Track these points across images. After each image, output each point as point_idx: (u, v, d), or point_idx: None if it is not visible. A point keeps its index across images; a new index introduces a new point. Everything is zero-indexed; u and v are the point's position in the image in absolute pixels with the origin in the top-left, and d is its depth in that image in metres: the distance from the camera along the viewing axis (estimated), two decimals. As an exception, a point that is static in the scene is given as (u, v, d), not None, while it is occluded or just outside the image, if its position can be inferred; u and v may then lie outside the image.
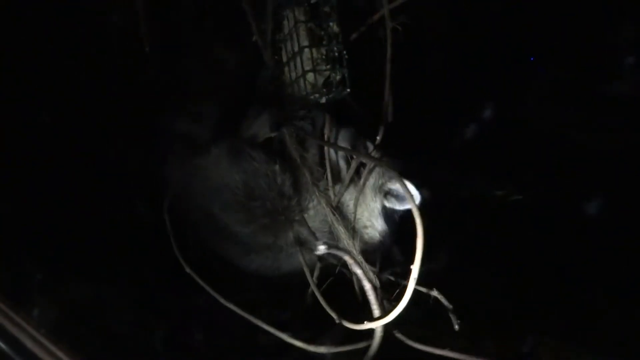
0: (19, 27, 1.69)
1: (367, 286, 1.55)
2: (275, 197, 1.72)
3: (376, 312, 1.53)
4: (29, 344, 1.34)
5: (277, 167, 1.72)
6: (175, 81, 1.82)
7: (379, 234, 1.76)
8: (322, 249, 1.58)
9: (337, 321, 1.55)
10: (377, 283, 1.58)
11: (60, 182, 1.71)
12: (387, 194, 1.73)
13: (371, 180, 1.73)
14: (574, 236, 1.91)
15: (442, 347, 1.46)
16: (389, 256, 1.79)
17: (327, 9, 1.64)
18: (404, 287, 1.39)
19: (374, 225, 1.75)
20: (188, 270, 1.71)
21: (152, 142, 1.81)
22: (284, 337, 1.59)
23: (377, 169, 1.72)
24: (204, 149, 1.78)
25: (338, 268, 1.70)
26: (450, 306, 1.53)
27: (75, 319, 1.51)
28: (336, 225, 1.70)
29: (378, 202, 1.74)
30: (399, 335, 1.55)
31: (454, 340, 1.51)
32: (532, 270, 1.87)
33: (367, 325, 1.47)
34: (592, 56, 1.91)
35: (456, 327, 1.51)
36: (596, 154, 1.95)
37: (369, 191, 1.74)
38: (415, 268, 1.35)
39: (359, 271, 1.57)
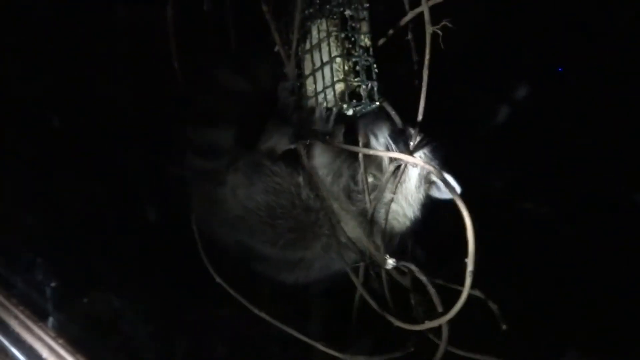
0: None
1: (432, 290, 1.53)
2: (301, 212, 1.70)
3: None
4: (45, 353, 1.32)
5: (300, 179, 1.70)
6: (198, 96, 1.78)
7: (411, 223, 1.73)
8: (390, 263, 1.60)
9: (395, 324, 1.53)
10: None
11: (85, 193, 1.72)
12: (432, 183, 1.70)
13: (417, 170, 1.68)
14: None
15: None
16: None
17: (358, 21, 1.61)
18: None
19: (407, 215, 1.72)
20: (218, 280, 1.69)
21: (175, 156, 1.79)
22: (318, 345, 1.56)
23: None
24: (221, 178, 1.75)
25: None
26: (496, 306, 1.50)
27: (96, 329, 1.52)
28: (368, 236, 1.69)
29: (422, 192, 1.71)
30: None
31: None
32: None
33: (428, 325, 1.45)
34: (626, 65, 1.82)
35: (504, 327, 1.49)
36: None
37: (413, 182, 1.69)
38: (470, 263, 1.32)
39: (423, 278, 1.56)
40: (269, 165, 1.70)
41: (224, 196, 1.74)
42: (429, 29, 1.54)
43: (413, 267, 1.60)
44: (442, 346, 1.48)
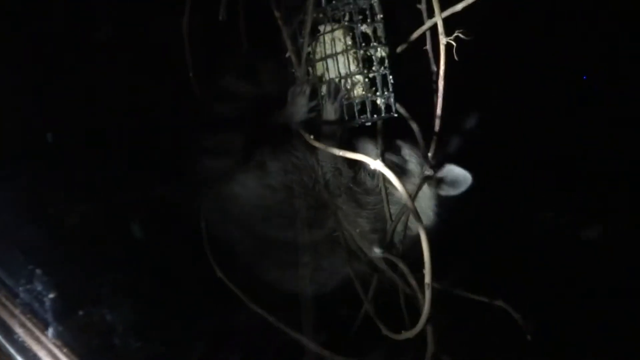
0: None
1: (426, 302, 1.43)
2: (321, 189, 1.71)
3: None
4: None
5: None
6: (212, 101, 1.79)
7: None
8: (377, 252, 1.55)
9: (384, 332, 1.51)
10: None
11: (92, 200, 1.72)
12: (440, 182, 1.68)
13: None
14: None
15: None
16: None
17: (373, 33, 1.62)
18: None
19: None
20: (219, 274, 1.68)
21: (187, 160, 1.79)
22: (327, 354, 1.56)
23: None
24: (235, 170, 1.75)
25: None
26: (519, 315, 1.47)
27: (105, 338, 1.50)
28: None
29: (432, 193, 1.71)
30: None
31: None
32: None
33: (405, 335, 1.42)
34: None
35: (528, 337, 1.46)
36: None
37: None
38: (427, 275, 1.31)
39: (413, 282, 1.50)
40: (289, 141, 1.71)
41: (236, 194, 1.74)
42: (442, 40, 1.55)
43: (401, 265, 1.55)
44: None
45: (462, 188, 1.62)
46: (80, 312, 1.53)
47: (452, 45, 1.50)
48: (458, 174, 1.62)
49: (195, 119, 1.79)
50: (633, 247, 1.83)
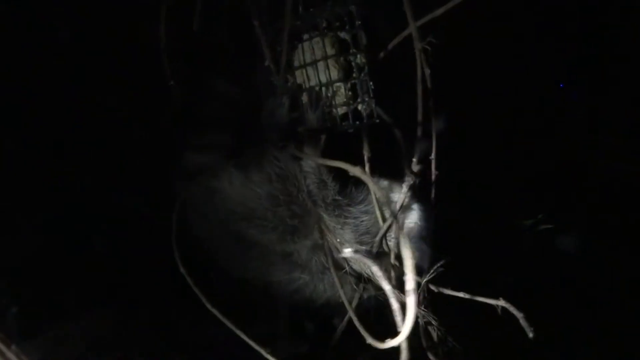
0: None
1: (395, 305, 1.40)
2: (305, 198, 1.71)
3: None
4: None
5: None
6: (192, 107, 1.80)
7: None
8: (347, 252, 1.51)
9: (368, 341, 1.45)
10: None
11: (60, 210, 1.67)
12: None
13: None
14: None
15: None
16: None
17: (353, 40, 1.61)
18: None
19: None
20: (182, 270, 1.66)
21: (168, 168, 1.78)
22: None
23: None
24: (217, 171, 1.75)
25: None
26: (521, 314, 1.47)
27: (72, 353, 1.46)
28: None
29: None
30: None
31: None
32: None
33: (389, 343, 1.36)
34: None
35: (530, 335, 1.45)
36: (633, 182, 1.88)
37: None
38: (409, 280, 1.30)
39: (387, 286, 1.43)
40: (271, 152, 1.70)
41: (220, 188, 1.73)
42: (417, 46, 1.56)
43: (374, 268, 1.48)
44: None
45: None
46: (46, 328, 1.48)
47: (428, 50, 1.52)
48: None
49: (175, 127, 1.78)
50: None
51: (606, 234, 1.91)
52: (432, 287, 1.59)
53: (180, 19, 1.63)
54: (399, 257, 1.65)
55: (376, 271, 1.44)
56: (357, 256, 1.54)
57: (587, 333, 1.77)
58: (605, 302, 1.82)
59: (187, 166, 1.76)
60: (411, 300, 1.30)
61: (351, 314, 1.62)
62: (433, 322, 1.57)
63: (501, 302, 1.49)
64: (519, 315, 1.46)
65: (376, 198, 1.68)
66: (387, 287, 1.42)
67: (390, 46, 1.60)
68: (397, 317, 1.37)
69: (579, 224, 1.92)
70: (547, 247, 1.90)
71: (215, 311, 1.60)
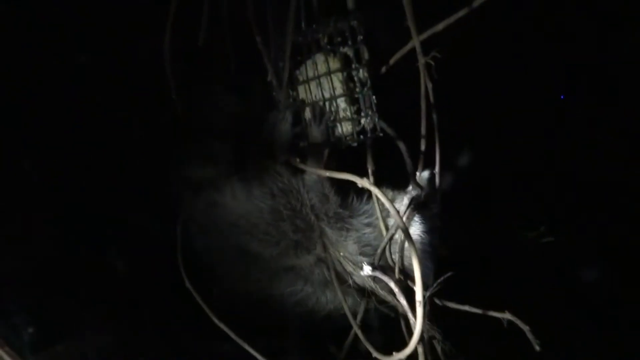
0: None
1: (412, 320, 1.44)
2: (308, 212, 1.71)
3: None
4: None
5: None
6: (195, 122, 1.79)
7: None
8: (367, 269, 1.53)
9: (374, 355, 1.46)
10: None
11: (70, 230, 1.68)
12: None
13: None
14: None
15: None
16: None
17: (355, 55, 1.62)
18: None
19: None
20: (187, 284, 1.68)
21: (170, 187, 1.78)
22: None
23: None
24: (219, 185, 1.75)
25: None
26: (527, 327, 1.48)
27: None
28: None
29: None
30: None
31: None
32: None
33: (396, 357, 1.38)
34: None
35: (537, 348, 1.46)
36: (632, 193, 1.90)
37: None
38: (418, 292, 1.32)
39: (404, 302, 1.49)
40: (274, 167, 1.71)
41: (223, 202, 1.73)
42: (421, 60, 1.58)
43: (392, 284, 1.53)
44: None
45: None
46: (59, 345, 1.48)
47: (431, 65, 1.54)
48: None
49: (179, 142, 1.78)
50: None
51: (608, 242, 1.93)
52: (437, 301, 1.60)
53: (185, 33, 1.64)
54: (402, 271, 1.67)
55: (395, 289, 1.47)
56: (377, 274, 1.54)
57: (590, 343, 1.78)
58: (609, 311, 1.82)
59: (189, 179, 1.76)
60: (419, 312, 1.32)
61: (356, 329, 1.63)
62: (438, 335, 1.57)
63: (507, 315, 1.50)
64: (525, 328, 1.47)
65: (380, 210, 1.70)
66: (404, 302, 1.48)
67: (392, 61, 1.63)
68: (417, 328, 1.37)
69: (580, 233, 1.94)
70: (549, 257, 1.90)
71: (222, 325, 1.61)
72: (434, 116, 1.58)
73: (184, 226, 1.78)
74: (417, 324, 1.33)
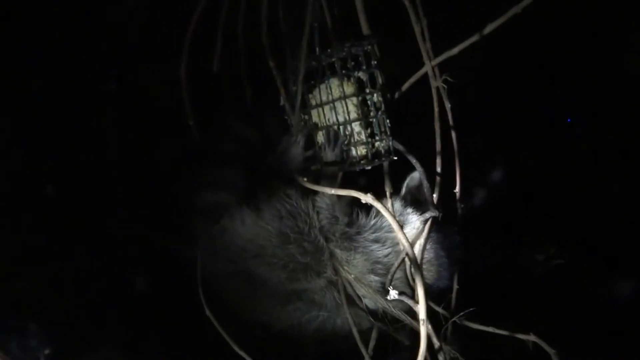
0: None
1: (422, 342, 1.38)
2: (316, 235, 1.71)
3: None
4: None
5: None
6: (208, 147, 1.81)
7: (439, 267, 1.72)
8: (393, 294, 1.54)
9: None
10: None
11: (87, 252, 1.68)
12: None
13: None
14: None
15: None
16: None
17: (369, 79, 1.64)
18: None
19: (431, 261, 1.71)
20: (207, 313, 1.66)
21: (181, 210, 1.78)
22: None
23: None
24: (229, 210, 1.75)
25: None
26: (553, 351, 1.47)
27: None
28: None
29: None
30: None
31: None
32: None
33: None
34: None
35: None
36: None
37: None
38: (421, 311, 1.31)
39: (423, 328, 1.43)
40: (283, 189, 1.72)
41: (232, 226, 1.73)
42: (434, 84, 1.61)
43: (417, 308, 1.51)
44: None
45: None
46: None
47: (444, 88, 1.57)
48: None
49: (194, 165, 1.78)
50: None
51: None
52: (459, 322, 1.59)
53: (201, 60, 1.66)
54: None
55: (424, 315, 1.43)
56: (403, 298, 1.55)
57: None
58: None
59: (200, 205, 1.76)
60: (423, 331, 1.32)
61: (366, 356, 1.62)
62: (458, 357, 1.55)
63: (532, 337, 1.49)
64: (551, 351, 1.46)
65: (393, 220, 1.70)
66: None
67: (406, 86, 1.65)
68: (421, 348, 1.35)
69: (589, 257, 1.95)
70: (559, 279, 1.91)
71: (243, 354, 1.60)
72: (453, 137, 1.61)
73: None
74: (422, 343, 1.32)
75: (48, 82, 1.64)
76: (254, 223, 1.73)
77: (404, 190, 1.74)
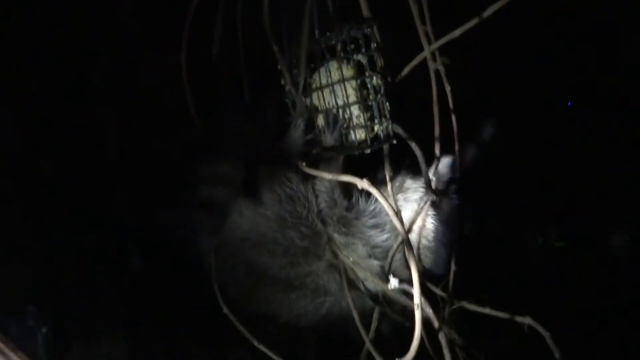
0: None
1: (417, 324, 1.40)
2: (314, 219, 1.72)
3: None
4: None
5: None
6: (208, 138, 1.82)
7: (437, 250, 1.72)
8: (393, 282, 1.53)
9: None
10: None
11: (87, 232, 1.68)
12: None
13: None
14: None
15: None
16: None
17: (369, 62, 1.63)
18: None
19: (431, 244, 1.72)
20: (225, 310, 1.65)
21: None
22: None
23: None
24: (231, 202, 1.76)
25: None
26: (548, 333, 1.48)
27: None
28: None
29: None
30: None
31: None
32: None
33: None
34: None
35: (557, 355, 1.46)
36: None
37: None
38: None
39: (429, 310, 1.51)
40: (284, 173, 1.72)
41: (231, 219, 1.74)
42: (432, 67, 1.60)
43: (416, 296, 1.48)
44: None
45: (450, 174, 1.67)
46: (74, 348, 1.47)
47: (442, 71, 1.58)
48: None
49: (194, 150, 1.78)
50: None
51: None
52: (457, 303, 1.60)
53: (201, 48, 1.66)
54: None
55: (419, 299, 1.44)
56: (404, 287, 1.56)
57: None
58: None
59: (199, 204, 1.76)
60: (418, 315, 1.33)
61: (368, 344, 1.62)
62: (457, 338, 1.56)
63: (528, 320, 1.50)
64: (545, 334, 1.47)
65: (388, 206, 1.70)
66: (429, 311, 1.51)
67: (406, 70, 1.65)
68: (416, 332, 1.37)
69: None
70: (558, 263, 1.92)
71: (264, 348, 1.59)
72: (454, 119, 1.61)
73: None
74: (417, 328, 1.34)
75: (45, 67, 1.64)
76: (252, 212, 1.73)
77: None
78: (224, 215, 1.73)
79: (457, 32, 1.50)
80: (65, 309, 1.53)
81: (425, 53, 1.59)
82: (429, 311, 1.53)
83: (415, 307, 1.35)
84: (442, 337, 1.53)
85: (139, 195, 1.79)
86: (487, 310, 1.56)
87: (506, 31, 1.74)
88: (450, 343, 1.53)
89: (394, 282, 1.53)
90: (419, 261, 1.66)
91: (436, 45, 1.57)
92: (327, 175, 1.62)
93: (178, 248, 1.76)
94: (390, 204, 1.50)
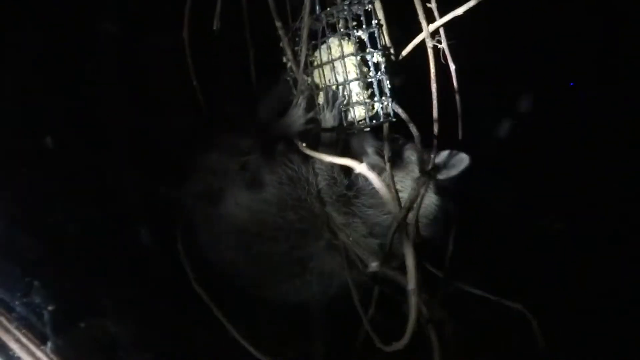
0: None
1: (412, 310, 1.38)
2: (312, 200, 1.72)
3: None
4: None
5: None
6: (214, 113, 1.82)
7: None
8: (374, 266, 1.53)
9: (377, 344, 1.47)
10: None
11: (93, 209, 1.68)
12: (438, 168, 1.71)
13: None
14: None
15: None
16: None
17: (371, 38, 1.61)
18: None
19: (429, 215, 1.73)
20: (195, 286, 1.67)
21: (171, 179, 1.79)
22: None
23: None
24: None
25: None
26: (535, 320, 1.50)
27: (106, 352, 1.50)
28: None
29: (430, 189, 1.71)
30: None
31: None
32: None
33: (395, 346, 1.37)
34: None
35: (541, 343, 1.49)
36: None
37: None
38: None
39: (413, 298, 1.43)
40: (285, 153, 1.72)
41: (226, 212, 1.74)
42: (429, 44, 1.57)
43: (398, 278, 1.51)
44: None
45: (461, 168, 1.66)
46: (80, 326, 1.48)
47: (439, 49, 1.55)
48: (455, 156, 1.67)
49: (196, 129, 1.79)
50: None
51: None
52: (452, 284, 1.60)
53: (203, 21, 1.63)
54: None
55: (414, 284, 1.42)
56: (389, 273, 1.54)
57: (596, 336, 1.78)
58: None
59: (193, 187, 1.77)
60: (413, 301, 1.32)
61: (366, 324, 1.63)
62: (448, 319, 1.56)
63: (518, 305, 1.51)
64: (532, 319, 1.49)
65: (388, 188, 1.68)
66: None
67: (408, 48, 1.62)
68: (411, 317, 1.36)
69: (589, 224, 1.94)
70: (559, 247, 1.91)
71: (226, 323, 1.62)
72: (457, 99, 1.59)
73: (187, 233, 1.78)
74: (412, 312, 1.32)
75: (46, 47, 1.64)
76: (249, 200, 1.73)
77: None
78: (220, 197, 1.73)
79: (460, 10, 1.46)
80: (72, 287, 1.54)
81: (424, 30, 1.56)
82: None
83: (411, 292, 1.33)
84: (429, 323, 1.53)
85: (146, 172, 1.79)
86: (478, 292, 1.57)
87: (511, 10, 1.70)
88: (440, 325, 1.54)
89: (374, 265, 1.53)
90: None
91: (438, 23, 1.53)
92: (326, 158, 1.61)
93: (185, 226, 1.77)
94: (388, 187, 1.48)
